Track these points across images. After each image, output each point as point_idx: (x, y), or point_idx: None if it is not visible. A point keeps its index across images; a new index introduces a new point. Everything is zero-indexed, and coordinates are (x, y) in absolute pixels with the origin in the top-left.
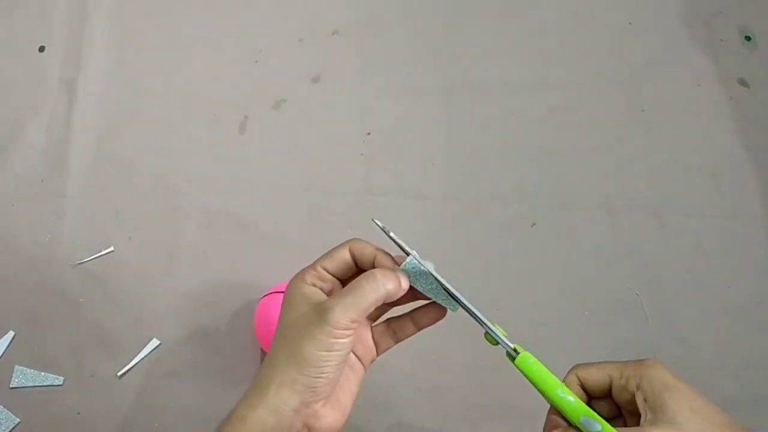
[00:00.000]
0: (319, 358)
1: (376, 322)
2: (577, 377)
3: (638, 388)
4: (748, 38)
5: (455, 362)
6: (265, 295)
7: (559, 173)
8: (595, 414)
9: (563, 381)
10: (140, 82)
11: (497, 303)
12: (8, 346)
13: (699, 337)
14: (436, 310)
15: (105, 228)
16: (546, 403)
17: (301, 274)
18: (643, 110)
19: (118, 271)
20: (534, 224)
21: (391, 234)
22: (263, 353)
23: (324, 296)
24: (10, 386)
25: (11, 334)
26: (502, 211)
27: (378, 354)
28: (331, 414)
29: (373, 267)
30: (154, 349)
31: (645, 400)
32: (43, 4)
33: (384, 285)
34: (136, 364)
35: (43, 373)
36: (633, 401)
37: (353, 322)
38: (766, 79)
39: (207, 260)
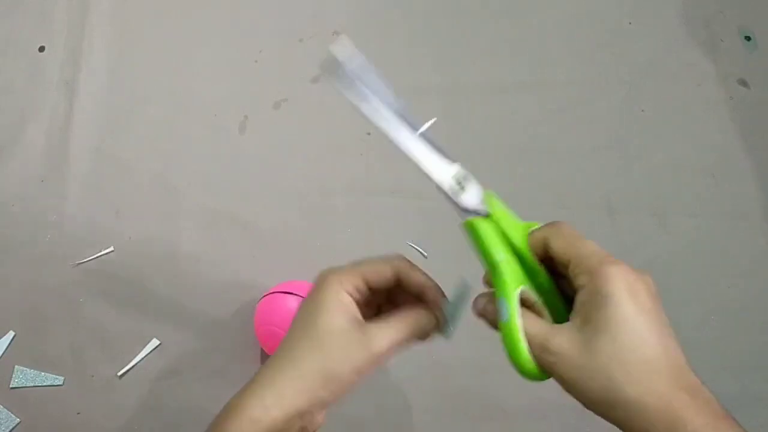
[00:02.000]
0: (351, 381)
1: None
2: (545, 238)
3: (582, 288)
4: (748, 38)
5: (455, 362)
6: (265, 295)
7: (559, 173)
8: (513, 302)
9: (532, 234)
10: (140, 81)
11: None
12: (8, 346)
13: (699, 337)
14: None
15: (105, 228)
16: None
17: (338, 276)
18: (643, 110)
19: (118, 271)
20: None
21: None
22: (263, 353)
23: (358, 312)
24: (10, 386)
25: (11, 334)
26: None
27: None
28: (321, 415)
29: (418, 292)
30: (154, 349)
31: (582, 305)
32: (43, 4)
33: (423, 328)
34: (136, 364)
35: (43, 373)
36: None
37: (385, 356)
38: (766, 79)
39: (207, 260)
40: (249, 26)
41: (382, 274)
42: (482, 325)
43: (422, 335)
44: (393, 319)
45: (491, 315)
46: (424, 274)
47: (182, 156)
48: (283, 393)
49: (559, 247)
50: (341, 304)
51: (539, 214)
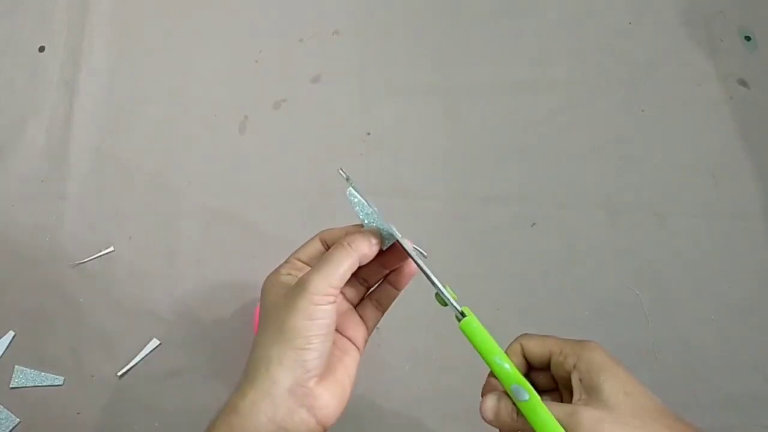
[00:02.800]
0: (304, 327)
1: (358, 304)
2: (521, 346)
3: (575, 367)
4: (748, 38)
5: (455, 362)
6: None
7: (559, 173)
8: (527, 384)
9: (508, 347)
10: (140, 82)
11: (497, 303)
12: (8, 346)
13: (699, 337)
14: (407, 265)
15: (105, 228)
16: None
17: (275, 270)
18: (643, 110)
19: (118, 271)
20: (534, 224)
21: (352, 187)
22: None
23: (294, 280)
24: (10, 386)
25: (11, 334)
26: (502, 211)
27: (369, 330)
28: (328, 391)
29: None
30: (154, 349)
31: (580, 380)
32: (43, 4)
33: (355, 248)
34: (136, 364)
35: (43, 373)
36: (569, 378)
37: (332, 287)
38: (766, 79)
39: (207, 260)
40: (249, 26)
41: (312, 248)
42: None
43: (355, 256)
44: (320, 260)
45: (506, 409)
46: (345, 226)
47: (182, 156)
48: (257, 377)
49: (536, 347)
50: (280, 284)
51: (539, 214)
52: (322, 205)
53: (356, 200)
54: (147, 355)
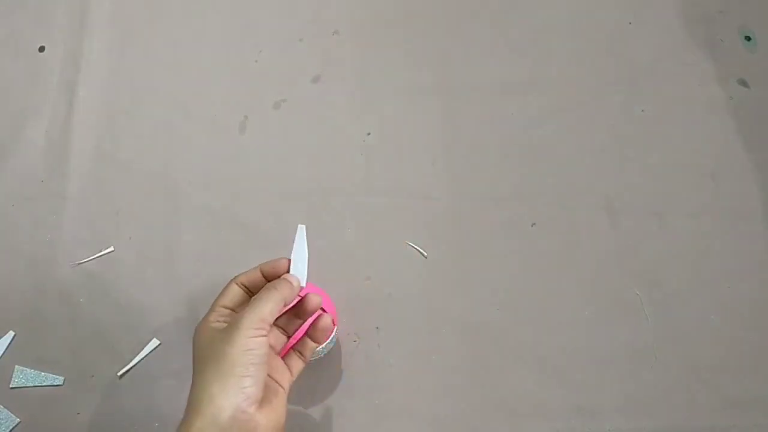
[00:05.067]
0: (241, 357)
1: (283, 354)
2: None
3: None
4: (748, 38)
5: (455, 362)
6: None
7: (559, 173)
8: None
9: None
10: (140, 82)
11: (497, 303)
12: (8, 346)
13: (699, 337)
14: (321, 320)
15: (105, 228)
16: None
17: (204, 320)
18: (643, 110)
19: (118, 271)
20: (534, 224)
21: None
22: None
23: (232, 313)
24: (10, 386)
25: (11, 334)
26: (502, 211)
27: (293, 376)
28: (266, 417)
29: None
30: (154, 349)
31: None
32: (43, 4)
33: (280, 289)
34: (136, 364)
35: (43, 373)
36: None
37: (263, 321)
38: (766, 79)
39: (207, 260)
40: (249, 26)
41: (233, 293)
42: (479, 328)
43: (280, 297)
44: (251, 300)
45: None
46: (258, 266)
47: (182, 156)
48: (200, 406)
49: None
50: (212, 330)
51: (539, 214)
52: (322, 205)
53: (301, 240)
54: (147, 355)
